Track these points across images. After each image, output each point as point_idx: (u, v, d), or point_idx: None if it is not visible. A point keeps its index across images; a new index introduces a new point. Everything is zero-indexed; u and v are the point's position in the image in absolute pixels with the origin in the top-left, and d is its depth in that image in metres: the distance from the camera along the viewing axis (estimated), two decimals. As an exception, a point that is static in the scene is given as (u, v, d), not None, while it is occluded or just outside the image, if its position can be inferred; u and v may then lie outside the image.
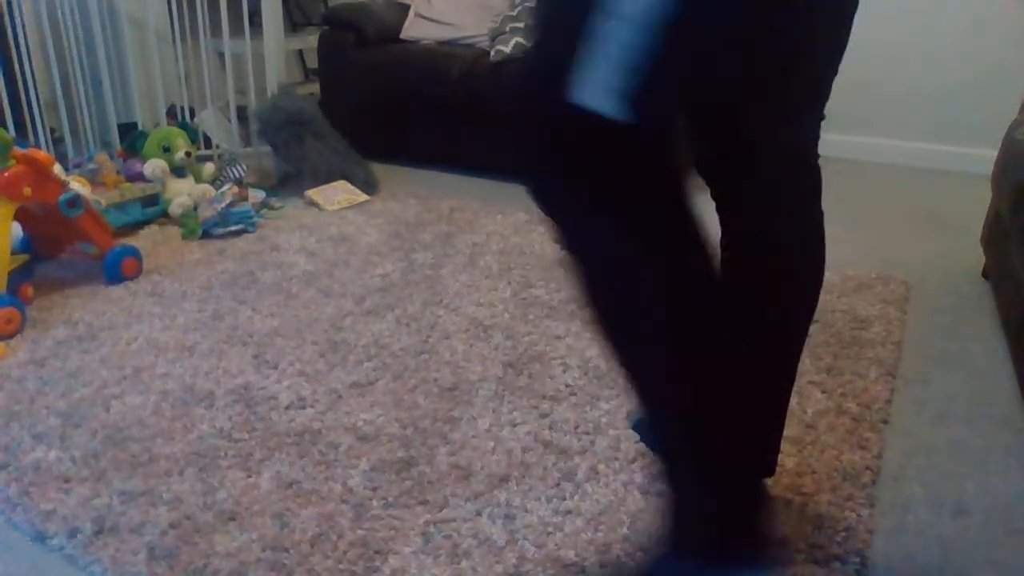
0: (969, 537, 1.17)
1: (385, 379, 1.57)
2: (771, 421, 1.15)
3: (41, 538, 1.15)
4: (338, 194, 2.66)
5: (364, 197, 2.68)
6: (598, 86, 0.79)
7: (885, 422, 1.44)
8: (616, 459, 1.32)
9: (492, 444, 1.37)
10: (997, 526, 1.20)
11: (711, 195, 1.10)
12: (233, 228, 2.35)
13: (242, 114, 3.15)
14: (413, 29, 3.17)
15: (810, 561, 1.11)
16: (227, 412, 1.46)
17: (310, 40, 3.52)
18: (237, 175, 2.59)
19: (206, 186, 2.47)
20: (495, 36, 2.94)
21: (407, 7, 3.24)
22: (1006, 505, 1.24)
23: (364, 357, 1.65)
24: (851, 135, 3.27)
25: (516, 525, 1.17)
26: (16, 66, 2.52)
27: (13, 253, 1.93)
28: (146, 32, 2.85)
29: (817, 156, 1.08)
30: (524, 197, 0.86)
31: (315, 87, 3.55)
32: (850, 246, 2.32)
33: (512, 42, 2.82)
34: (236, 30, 2.98)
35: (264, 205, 2.56)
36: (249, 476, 1.28)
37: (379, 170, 2.97)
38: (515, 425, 1.42)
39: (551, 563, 1.10)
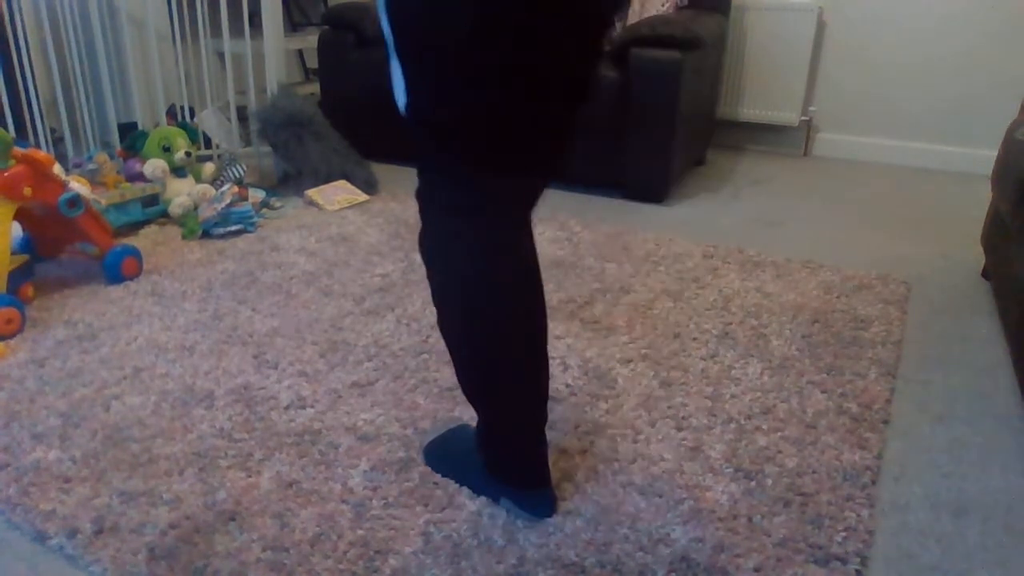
0: (969, 537, 1.17)
1: (385, 379, 1.57)
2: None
3: (41, 538, 1.15)
4: (338, 194, 2.66)
5: (364, 197, 2.69)
6: (396, 88, 0.97)
7: (885, 422, 1.44)
8: (616, 459, 1.32)
9: (492, 444, 1.37)
10: (997, 526, 1.20)
11: None
12: (233, 228, 2.35)
13: (242, 114, 3.16)
14: (413, 29, 3.17)
15: (810, 561, 1.11)
16: (227, 412, 1.46)
17: (310, 40, 3.52)
18: (237, 175, 2.59)
19: (206, 186, 2.47)
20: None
21: (407, 7, 3.24)
22: (1006, 505, 1.24)
23: (364, 357, 1.65)
24: (851, 135, 3.27)
25: (516, 525, 1.17)
26: (16, 66, 2.52)
27: (13, 253, 1.93)
28: (146, 32, 2.85)
29: None
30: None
31: (315, 87, 3.55)
32: (850, 246, 2.32)
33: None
34: (236, 30, 2.98)
35: (264, 205, 2.57)
36: (249, 476, 1.28)
37: (379, 170, 2.97)
38: (515, 425, 1.42)
39: (551, 563, 1.10)
